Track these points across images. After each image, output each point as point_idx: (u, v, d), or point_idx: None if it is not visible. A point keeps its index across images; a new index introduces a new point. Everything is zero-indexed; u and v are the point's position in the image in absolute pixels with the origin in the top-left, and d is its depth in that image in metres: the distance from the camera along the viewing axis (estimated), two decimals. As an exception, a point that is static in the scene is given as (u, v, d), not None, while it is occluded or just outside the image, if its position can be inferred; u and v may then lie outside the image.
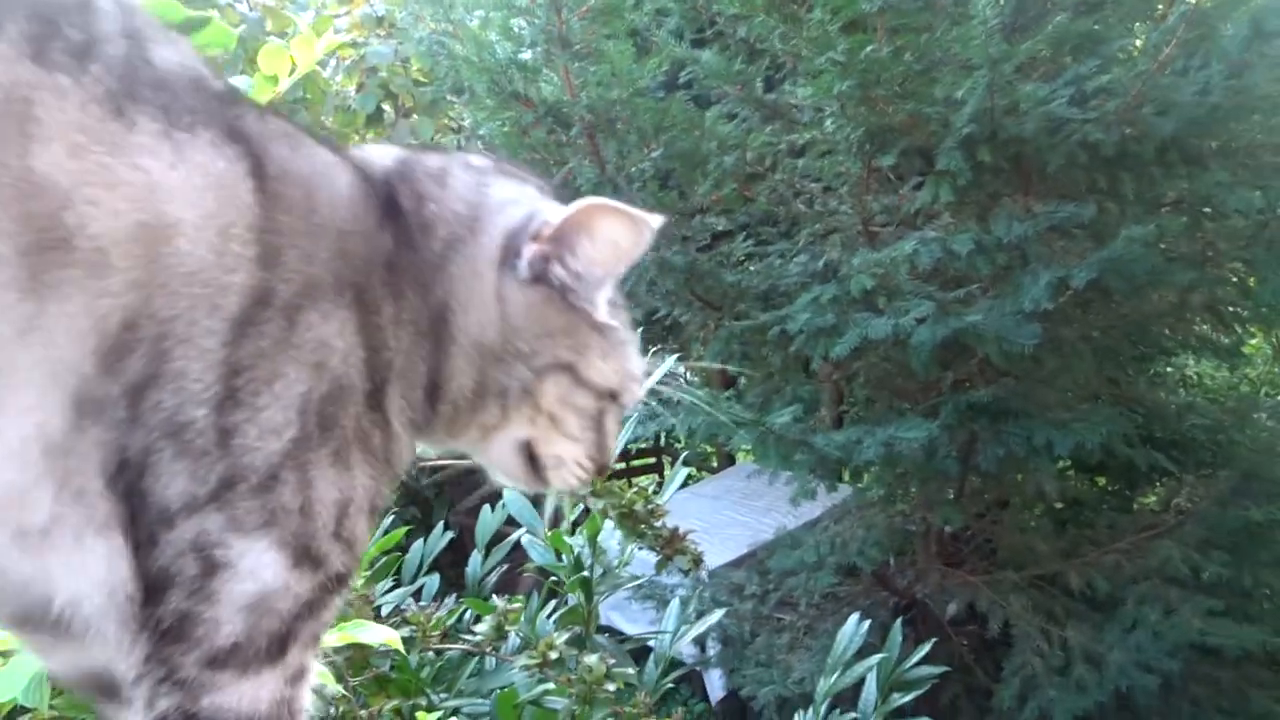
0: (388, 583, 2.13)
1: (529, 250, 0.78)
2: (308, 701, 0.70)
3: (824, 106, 2.67)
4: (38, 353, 0.57)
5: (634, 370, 0.87)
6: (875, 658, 2.04)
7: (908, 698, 2.11)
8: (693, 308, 3.26)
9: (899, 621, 2.20)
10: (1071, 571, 3.38)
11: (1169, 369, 4.26)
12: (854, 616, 2.13)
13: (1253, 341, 5.37)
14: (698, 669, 4.23)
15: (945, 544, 3.81)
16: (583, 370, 0.82)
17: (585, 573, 1.86)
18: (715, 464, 6.23)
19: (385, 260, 0.72)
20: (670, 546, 1.87)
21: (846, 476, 3.63)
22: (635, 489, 1.86)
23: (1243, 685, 3.26)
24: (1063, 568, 3.42)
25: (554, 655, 1.56)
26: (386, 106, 4.42)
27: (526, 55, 2.86)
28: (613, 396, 0.86)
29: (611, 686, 1.51)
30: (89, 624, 0.64)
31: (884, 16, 2.43)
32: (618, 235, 0.79)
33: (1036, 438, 2.81)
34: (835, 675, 2.07)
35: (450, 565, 2.47)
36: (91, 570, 0.63)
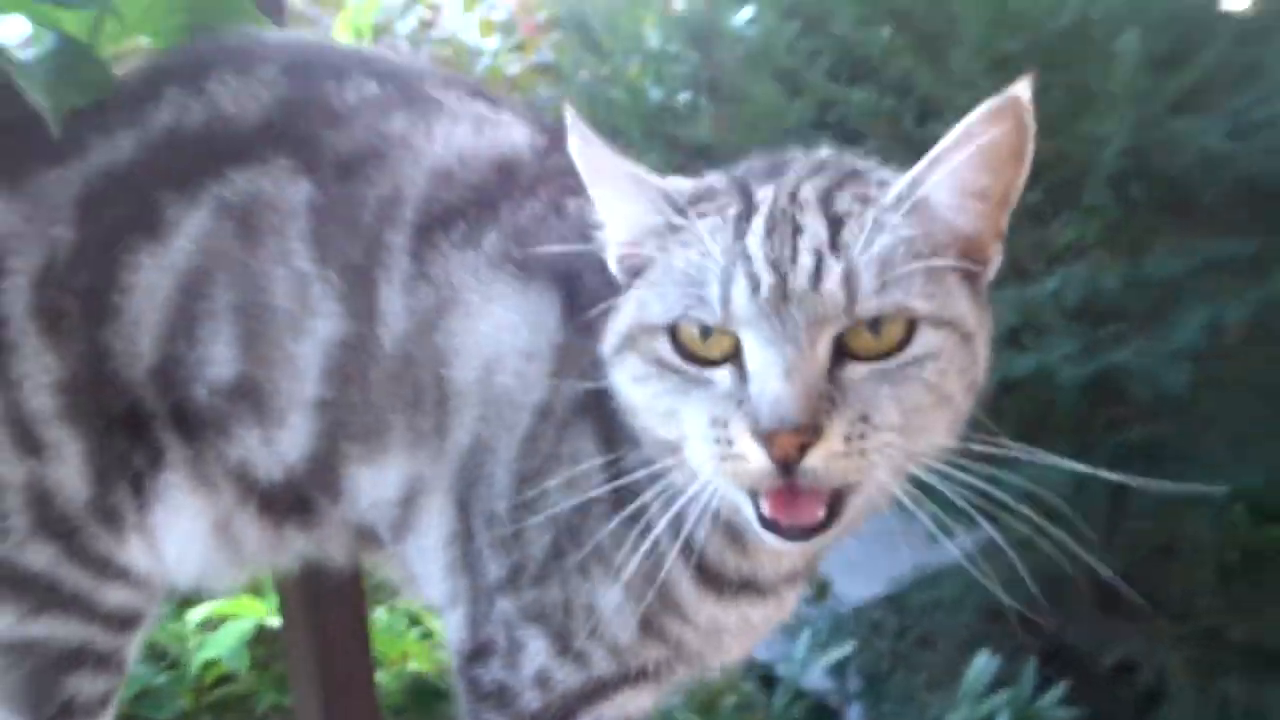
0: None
1: None
2: None
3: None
4: None
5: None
6: (1005, 692, 2.04)
7: (1041, 736, 2.10)
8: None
9: (1033, 659, 2.19)
10: (1236, 624, 3.22)
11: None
12: (984, 651, 2.14)
13: None
14: (836, 710, 4.23)
15: (1101, 590, 3.68)
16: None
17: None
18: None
19: None
20: (801, 568, 1.94)
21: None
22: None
23: None
24: (1227, 620, 3.26)
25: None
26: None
27: (679, 100, 3.01)
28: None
29: (731, 700, 1.59)
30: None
31: (1031, 55, 2.44)
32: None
33: (1192, 481, 2.72)
34: (963, 710, 2.08)
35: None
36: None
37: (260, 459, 0.82)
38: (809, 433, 0.65)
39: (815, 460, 0.67)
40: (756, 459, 0.65)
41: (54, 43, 0.83)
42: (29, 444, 0.79)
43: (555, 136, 0.82)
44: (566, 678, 0.79)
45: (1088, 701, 3.47)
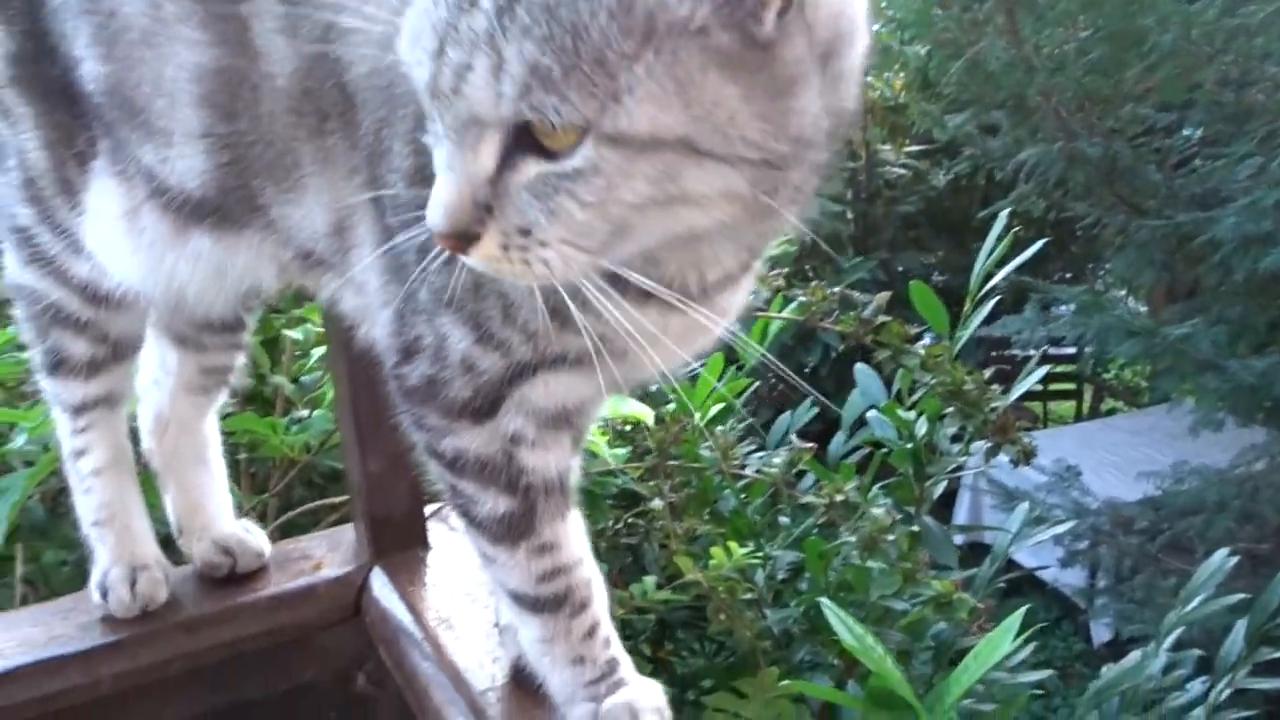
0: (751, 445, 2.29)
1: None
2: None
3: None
4: None
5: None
6: (1235, 597, 1.81)
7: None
8: (1111, 210, 2.97)
9: (1285, 567, 1.93)
10: None
11: None
12: (1223, 551, 1.90)
13: None
14: (1083, 610, 3.98)
15: None
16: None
17: (910, 445, 1.85)
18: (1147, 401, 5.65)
19: None
20: (1001, 433, 1.79)
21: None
22: (969, 372, 1.79)
23: None
24: None
25: (840, 499, 1.59)
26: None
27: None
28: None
29: (891, 538, 1.51)
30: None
31: None
32: None
33: None
34: (1187, 608, 1.88)
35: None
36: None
37: (161, 172, 0.89)
38: (460, 239, 0.61)
39: (474, 260, 0.63)
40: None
41: None
42: (2, 109, 0.96)
43: None
44: (490, 365, 0.79)
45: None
